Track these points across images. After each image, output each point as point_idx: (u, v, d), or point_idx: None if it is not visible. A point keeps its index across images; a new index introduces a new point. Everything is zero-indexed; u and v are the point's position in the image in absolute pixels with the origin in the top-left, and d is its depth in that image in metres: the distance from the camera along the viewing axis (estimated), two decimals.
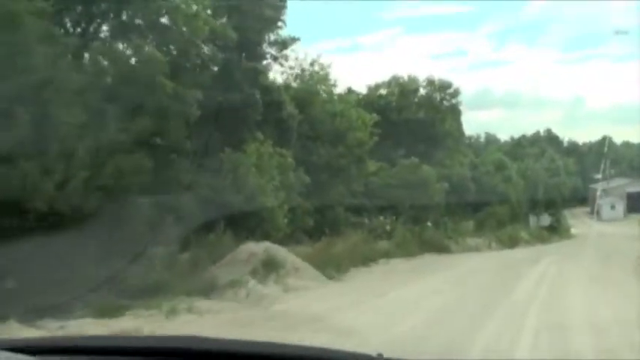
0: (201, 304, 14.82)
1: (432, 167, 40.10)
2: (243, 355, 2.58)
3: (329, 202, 30.42)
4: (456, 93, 56.02)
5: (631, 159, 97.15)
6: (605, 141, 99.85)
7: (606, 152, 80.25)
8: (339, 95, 34.67)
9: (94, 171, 15.00)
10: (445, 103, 55.88)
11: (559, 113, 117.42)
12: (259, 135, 24.74)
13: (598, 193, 76.66)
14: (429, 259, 30.87)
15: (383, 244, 31.43)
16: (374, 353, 2.48)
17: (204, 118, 23.35)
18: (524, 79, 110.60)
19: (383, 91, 50.74)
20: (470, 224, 45.40)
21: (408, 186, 36.23)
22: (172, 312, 13.85)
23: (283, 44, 27.81)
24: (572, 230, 60.61)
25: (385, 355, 2.47)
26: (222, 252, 19.84)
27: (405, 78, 53.40)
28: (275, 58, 27.66)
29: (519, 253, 37.12)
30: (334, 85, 38.74)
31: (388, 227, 32.92)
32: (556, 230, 57.56)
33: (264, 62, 27.22)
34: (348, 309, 13.98)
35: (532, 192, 69.88)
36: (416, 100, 51.97)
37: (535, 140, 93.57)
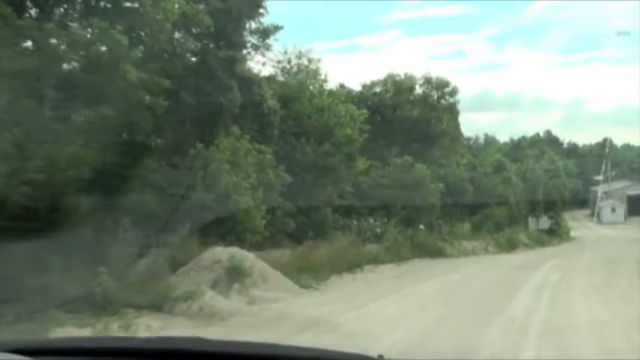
0: (144, 320, 12.55)
1: (426, 167, 37.77)
2: (243, 357, 2.53)
3: (315, 203, 28.16)
4: (454, 92, 53.77)
5: (631, 161, 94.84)
6: (605, 143, 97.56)
7: (607, 154, 77.91)
8: (330, 91, 32.32)
9: (19, 163, 12.73)
10: (442, 102, 53.69)
11: (559, 115, 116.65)
12: (235, 129, 22.41)
13: (599, 195, 74.25)
14: (421, 264, 28.53)
15: (372, 248, 29.08)
16: (375, 354, 2.47)
17: (175, 111, 21.10)
18: (524, 82, 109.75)
19: (378, 89, 48.52)
20: (466, 227, 43.06)
21: (401, 186, 33.93)
22: (106, 330, 11.59)
23: (265, 33, 25.49)
24: (572, 233, 58.13)
25: (386, 357, 2.46)
26: (186, 258, 17.55)
27: (402, 76, 51.25)
28: (256, 48, 25.36)
29: (517, 257, 34.78)
30: (325, 81, 36.48)
31: (378, 230, 30.57)
32: (556, 233, 55.14)
33: (245, 52, 24.88)
34: (314, 326, 11.66)
35: (531, 194, 67.52)
36: (412, 98, 49.71)
37: (535, 142, 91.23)
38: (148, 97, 19.67)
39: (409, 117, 43.18)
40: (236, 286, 15.50)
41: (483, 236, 43.34)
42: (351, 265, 24.01)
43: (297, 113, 28.09)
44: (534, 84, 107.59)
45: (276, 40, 25.81)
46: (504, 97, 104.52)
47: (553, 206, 63.13)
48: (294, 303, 14.70)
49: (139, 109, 19.71)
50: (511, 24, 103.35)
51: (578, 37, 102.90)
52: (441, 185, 40.31)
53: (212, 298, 13.98)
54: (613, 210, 72.59)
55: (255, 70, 26.64)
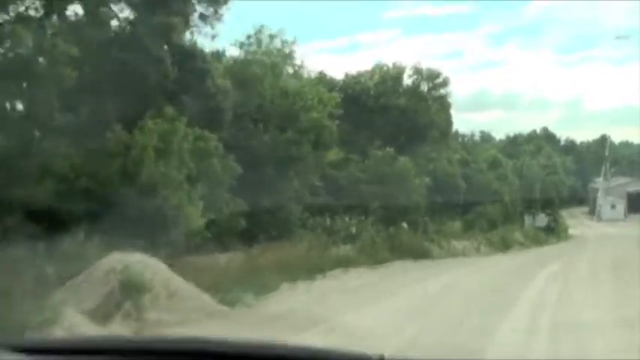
0: None
1: (410, 160, 33.40)
2: (244, 356, 2.49)
3: (278, 199, 23.87)
4: (445, 83, 49.40)
5: (631, 158, 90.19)
6: (604, 140, 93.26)
7: (608, 148, 73.45)
8: (297, 73, 28.04)
9: None
10: (433, 93, 49.42)
11: (557, 114, 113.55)
12: (169, 110, 18.12)
13: (599, 192, 69.90)
14: (400, 267, 24.19)
15: (345, 250, 24.83)
16: (375, 354, 2.40)
17: (91, 85, 16.87)
18: (522, 81, 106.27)
19: (362, 79, 44.23)
20: (457, 225, 38.73)
21: (382, 181, 29.64)
22: None
23: (215, 1, 21.20)
24: (571, 231, 53.77)
25: (387, 356, 2.40)
26: (81, 267, 13.29)
27: (390, 65, 46.97)
28: (204, 18, 21.06)
29: (511, 259, 30.46)
30: (301, 67, 32.27)
31: (354, 229, 26.23)
32: (553, 231, 50.79)
33: (188, 21, 20.59)
34: None
35: (528, 191, 63.14)
36: (400, 89, 45.36)
37: (531, 138, 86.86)
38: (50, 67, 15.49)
39: (395, 107, 38.84)
40: (127, 305, 11.24)
41: (475, 235, 39.00)
42: (313, 270, 19.71)
43: (258, 96, 23.82)
44: (532, 83, 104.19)
45: (228, 9, 21.49)
46: (502, 96, 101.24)
47: (550, 203, 58.78)
48: (198, 330, 10.40)
49: (39, 81, 15.52)
50: (509, 23, 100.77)
51: (576, 36, 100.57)
52: (428, 180, 35.89)
53: (74, 327, 9.70)
54: (613, 207, 68.16)
55: (205, 45, 22.37)
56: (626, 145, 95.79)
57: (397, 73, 46.52)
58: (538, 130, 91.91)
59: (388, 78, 44.94)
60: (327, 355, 2.53)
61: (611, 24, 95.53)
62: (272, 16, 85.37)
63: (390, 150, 29.81)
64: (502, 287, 17.61)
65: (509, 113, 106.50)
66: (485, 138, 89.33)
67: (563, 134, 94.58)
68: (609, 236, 49.72)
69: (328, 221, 26.02)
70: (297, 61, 32.13)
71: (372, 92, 39.38)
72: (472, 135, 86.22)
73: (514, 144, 77.08)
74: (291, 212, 24.36)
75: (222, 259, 18.32)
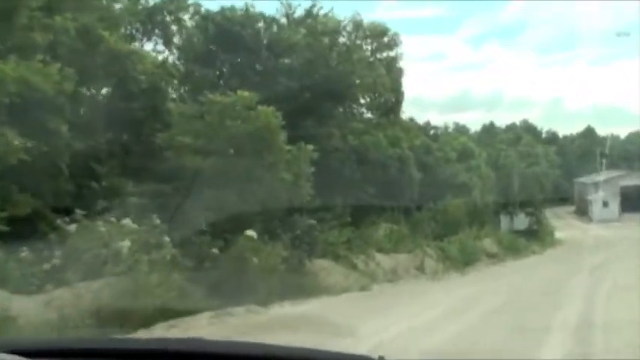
0: None
1: (275, 115, 18.70)
2: (241, 357, 2.35)
3: None
4: (394, 42, 35.03)
5: (623, 149, 75.61)
6: (589, 132, 79.16)
7: (609, 141, 59.65)
8: None
9: None
10: (378, 55, 35.05)
11: (539, 114, 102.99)
12: None
13: (589, 187, 55.51)
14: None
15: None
16: (375, 355, 2.21)
17: None
18: (503, 81, 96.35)
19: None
20: (396, 231, 24.15)
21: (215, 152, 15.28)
22: None
23: None
24: (558, 235, 39.47)
25: (387, 357, 2.19)
26: None
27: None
28: None
29: (462, 292, 16.00)
30: None
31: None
32: (536, 235, 36.67)
33: None
34: None
35: (504, 185, 48.89)
36: (335, 49, 30.79)
37: (510, 128, 72.67)
38: None
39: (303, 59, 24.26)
40: None
41: (422, 245, 24.76)
42: None
43: None
44: (513, 83, 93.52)
45: None
46: (484, 97, 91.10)
47: (532, 201, 44.67)
48: None
49: None
50: (490, 24, 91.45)
51: (556, 36, 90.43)
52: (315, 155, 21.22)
53: None
54: (605, 204, 53.65)
55: None
56: (612, 138, 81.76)
57: (330, 27, 31.87)
58: (518, 123, 77.94)
59: (315, 32, 30.22)
60: (328, 357, 2.37)
61: (593, 23, 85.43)
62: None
63: (231, 94, 15.13)
64: None
65: (491, 113, 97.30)
66: (461, 130, 74.99)
67: (545, 126, 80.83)
68: (606, 241, 35.56)
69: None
70: None
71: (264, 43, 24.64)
72: (446, 127, 71.70)
73: (489, 133, 62.52)
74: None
75: None
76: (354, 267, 18.62)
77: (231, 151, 14.84)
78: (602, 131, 77.23)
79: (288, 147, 15.32)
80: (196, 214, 14.22)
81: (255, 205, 14.58)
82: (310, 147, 15.82)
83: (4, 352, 2.33)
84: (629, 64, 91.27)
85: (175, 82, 19.01)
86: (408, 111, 53.56)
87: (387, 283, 18.14)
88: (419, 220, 28.13)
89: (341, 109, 24.74)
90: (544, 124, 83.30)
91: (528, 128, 75.94)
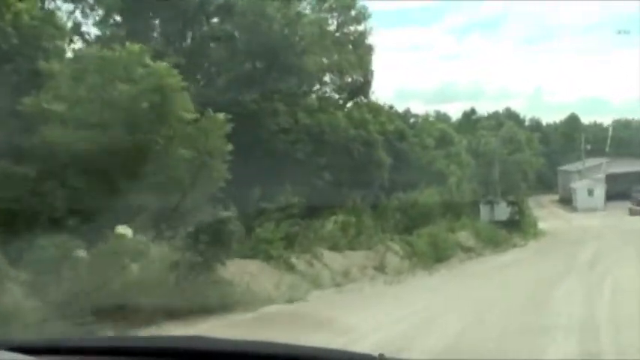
0: None
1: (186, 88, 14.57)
2: (243, 355, 2.28)
3: None
4: (363, 16, 31.08)
5: (603, 138, 72.17)
6: (573, 119, 75.79)
7: (582, 127, 56.02)
8: None
9: None
10: (345, 30, 31.07)
11: (522, 104, 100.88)
12: None
13: (573, 174, 51.93)
14: None
15: None
16: (375, 353, 2.05)
17: None
18: (486, 72, 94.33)
19: None
20: (349, 222, 20.16)
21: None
22: None
23: None
24: (541, 225, 35.77)
25: (387, 355, 2.07)
26: None
27: None
28: None
29: (419, 303, 11.95)
30: None
31: None
32: (518, 226, 32.89)
33: None
34: None
35: (485, 173, 45.17)
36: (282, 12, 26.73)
37: (492, 116, 68.87)
38: None
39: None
40: None
41: (387, 239, 20.90)
42: None
43: None
44: (496, 74, 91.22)
45: None
46: (467, 88, 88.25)
47: (514, 189, 41.03)
48: None
49: None
50: (472, 15, 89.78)
51: (539, 27, 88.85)
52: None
53: None
54: (590, 192, 50.04)
55: None
56: (595, 125, 78.44)
57: None
58: (500, 111, 74.31)
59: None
60: (329, 355, 2.25)
61: (575, 15, 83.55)
62: None
63: (135, 47, 11.21)
64: None
65: (474, 104, 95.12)
66: (442, 118, 71.19)
67: (528, 114, 77.54)
68: (595, 232, 31.94)
69: None
70: None
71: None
72: (427, 115, 67.75)
73: (469, 120, 58.66)
74: None
75: None
76: (292, 269, 14.70)
77: (114, 121, 10.83)
78: (585, 120, 74.58)
79: (192, 116, 11.33)
80: (59, 204, 10.24)
81: (141, 194, 10.64)
82: (221, 116, 11.82)
83: (6, 350, 2.22)
84: (611, 55, 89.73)
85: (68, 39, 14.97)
86: (393, 103, 50.26)
87: (332, 289, 14.25)
88: (385, 211, 24.25)
89: (291, 83, 20.77)
90: (527, 113, 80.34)
91: (511, 116, 72.36)
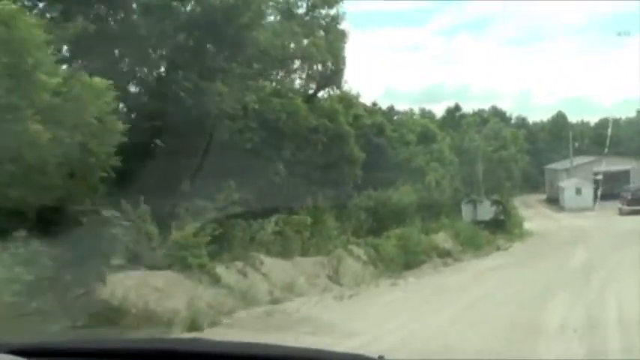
0: None
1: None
2: (241, 357, 2.22)
3: None
4: None
5: (590, 136, 69.54)
6: (560, 117, 72.98)
7: (569, 125, 53.09)
8: None
9: None
10: (315, 13, 27.91)
11: (509, 104, 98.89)
12: None
13: (560, 173, 49.01)
14: None
15: None
16: (375, 355, 2.09)
17: None
18: (474, 73, 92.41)
19: None
20: (304, 223, 16.99)
21: None
22: None
23: None
24: (528, 226, 32.75)
25: (387, 357, 2.10)
26: None
27: None
28: None
29: (359, 337, 8.73)
30: None
31: None
32: (502, 227, 29.88)
33: None
34: None
35: (469, 171, 42.23)
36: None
37: (477, 113, 65.87)
38: None
39: None
40: None
41: (349, 242, 17.76)
42: None
43: None
44: (484, 75, 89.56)
45: None
46: (455, 88, 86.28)
47: (498, 188, 37.99)
48: None
49: None
50: (461, 16, 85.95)
51: (526, 29, 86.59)
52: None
53: None
54: (578, 192, 47.02)
55: None
56: (582, 124, 75.84)
57: None
58: (487, 109, 71.42)
59: None
60: (328, 356, 2.25)
61: (563, 17, 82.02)
62: None
63: None
64: None
65: (462, 104, 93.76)
66: (426, 115, 68.21)
67: (514, 112, 74.87)
68: (584, 234, 29.01)
69: None
70: None
71: None
72: (412, 112, 64.72)
73: (453, 116, 55.57)
74: None
75: None
76: (217, 282, 11.55)
77: None
78: (573, 119, 72.27)
79: (56, 80, 8.17)
80: None
81: None
82: (101, 82, 8.66)
83: (3, 352, 2.20)
84: (599, 56, 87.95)
85: None
86: (381, 103, 47.41)
87: (265, 308, 11.09)
88: (353, 211, 21.14)
89: (239, 62, 17.56)
90: (514, 112, 77.90)
91: (497, 113, 69.40)
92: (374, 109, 40.72)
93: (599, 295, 11.22)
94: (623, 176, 47.86)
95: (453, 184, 36.50)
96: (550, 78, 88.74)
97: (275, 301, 11.88)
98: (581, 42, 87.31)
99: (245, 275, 12.44)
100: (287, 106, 19.01)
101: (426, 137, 43.93)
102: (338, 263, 14.97)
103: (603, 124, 69.77)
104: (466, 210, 30.89)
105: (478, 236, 25.30)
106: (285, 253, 14.94)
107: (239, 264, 12.63)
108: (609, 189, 44.96)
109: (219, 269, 12.09)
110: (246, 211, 15.46)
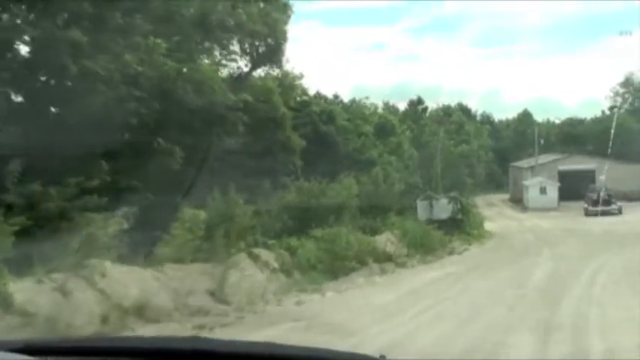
0: None
1: None
2: (243, 356, 2.17)
3: None
4: None
5: (555, 135, 66.57)
6: (526, 115, 69.92)
7: (534, 123, 49.79)
8: None
9: None
10: None
11: (476, 105, 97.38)
12: None
13: (524, 171, 45.55)
14: None
15: None
16: (376, 355, 2.06)
17: None
18: (441, 73, 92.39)
19: None
20: (195, 218, 12.99)
21: None
22: None
23: None
24: (488, 226, 29.11)
25: (388, 357, 2.07)
26: None
27: None
28: None
29: None
30: None
31: None
32: (460, 227, 26.13)
33: None
34: None
35: (427, 165, 38.50)
36: None
37: (442, 110, 62.32)
38: None
39: None
40: None
41: (258, 244, 13.70)
42: None
43: None
44: (451, 75, 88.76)
45: None
46: (423, 88, 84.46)
47: (458, 184, 34.38)
48: None
49: None
50: (429, 16, 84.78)
51: (494, 30, 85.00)
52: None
53: None
54: (543, 190, 43.63)
55: None
56: (547, 123, 73.08)
57: None
58: (452, 105, 68.00)
59: None
60: (330, 356, 2.19)
61: (530, 18, 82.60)
62: None
63: None
64: None
65: (430, 103, 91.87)
66: (390, 110, 64.39)
67: (480, 109, 71.57)
68: (549, 237, 25.63)
69: None
70: None
71: None
72: (375, 107, 60.61)
73: (416, 110, 51.76)
74: None
75: None
76: (7, 306, 7.36)
77: None
78: (538, 118, 69.74)
79: None
80: None
81: None
82: None
83: (7, 351, 2.14)
84: (563, 58, 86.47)
85: None
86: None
87: None
88: (273, 205, 17.04)
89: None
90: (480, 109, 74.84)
91: (462, 109, 66.01)
92: (319, 96, 36.86)
93: (574, 330, 7.44)
94: (589, 175, 44.54)
95: (412, 179, 32.82)
96: (517, 78, 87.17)
97: (103, 333, 7.78)
98: (547, 43, 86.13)
99: (66, 294, 8.28)
100: (191, 75, 14.86)
101: (384, 129, 40.26)
102: (226, 273, 10.88)
103: (569, 123, 67.01)
104: (421, 208, 27.10)
105: (430, 237, 21.44)
106: (160, 258, 10.83)
107: (60, 276, 8.45)
108: (574, 188, 41.83)
109: (23, 285, 7.94)
110: (112, 200, 11.32)
